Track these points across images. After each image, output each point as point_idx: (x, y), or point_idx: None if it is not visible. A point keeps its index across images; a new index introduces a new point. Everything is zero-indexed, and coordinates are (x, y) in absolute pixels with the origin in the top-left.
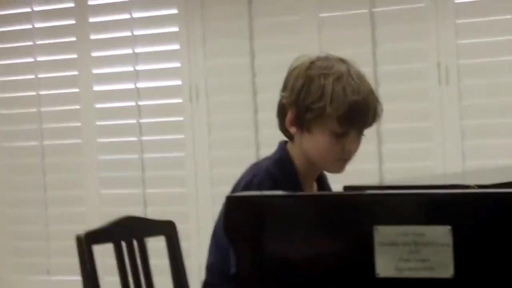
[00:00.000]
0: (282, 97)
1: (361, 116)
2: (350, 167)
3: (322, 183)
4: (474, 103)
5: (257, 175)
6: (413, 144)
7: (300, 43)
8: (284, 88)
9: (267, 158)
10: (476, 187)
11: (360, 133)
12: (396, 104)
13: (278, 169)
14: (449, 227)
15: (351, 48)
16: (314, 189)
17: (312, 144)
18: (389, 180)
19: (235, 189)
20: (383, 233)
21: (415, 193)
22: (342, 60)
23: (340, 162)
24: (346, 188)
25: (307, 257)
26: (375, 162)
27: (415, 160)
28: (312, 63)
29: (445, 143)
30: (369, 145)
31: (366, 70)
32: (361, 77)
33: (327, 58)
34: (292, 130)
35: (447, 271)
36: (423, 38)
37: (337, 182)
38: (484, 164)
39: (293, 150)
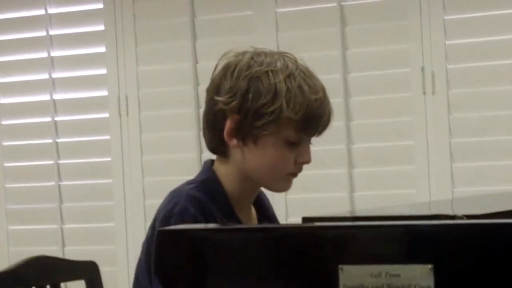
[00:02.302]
0: (216, 104)
1: (319, 119)
2: (314, 195)
3: (262, 208)
4: (466, 117)
5: (178, 203)
6: (391, 167)
7: (253, 44)
8: (217, 92)
9: (188, 182)
10: (464, 217)
11: (309, 142)
12: (371, 118)
13: (203, 193)
14: (429, 266)
15: (316, 50)
16: (253, 217)
17: (259, 158)
18: (361, 210)
19: (154, 223)
20: (350, 274)
21: (388, 225)
22: (283, 54)
23: (289, 177)
24: (305, 219)
25: None
26: (345, 189)
27: (393, 186)
28: (252, 59)
29: (431, 165)
30: (338, 168)
31: (334, 77)
32: (311, 73)
33: (266, 53)
34: (233, 142)
35: None
36: (404, 38)
37: (294, 211)
38: (478, 190)
39: (223, 169)
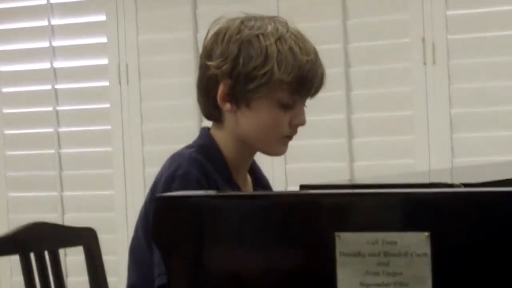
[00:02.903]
0: (208, 69)
1: (312, 81)
2: (314, 165)
3: (257, 176)
4: (466, 88)
5: (181, 166)
6: (391, 137)
7: (256, 10)
8: (209, 57)
9: (188, 147)
10: (462, 186)
11: (304, 104)
12: (372, 89)
13: (204, 157)
14: (426, 234)
15: (317, 20)
16: (249, 183)
17: (253, 121)
18: (359, 179)
19: (155, 186)
20: (346, 241)
21: (385, 192)
22: (273, 18)
23: (285, 140)
24: (303, 187)
25: (254, 271)
26: (345, 159)
27: (393, 156)
28: (242, 23)
29: (431, 136)
30: (338, 138)
31: (335, 47)
32: (303, 36)
33: (256, 18)
34: (226, 107)
35: (423, 287)
36: (405, 8)
37: (294, 181)
38: (478, 161)
39: (220, 135)
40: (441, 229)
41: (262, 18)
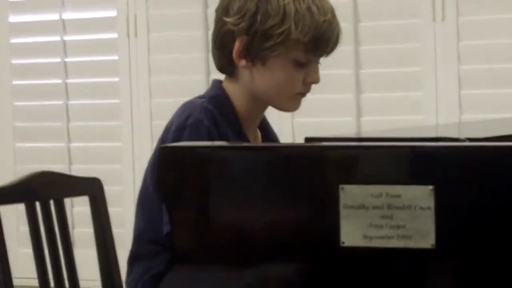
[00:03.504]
0: (225, 24)
1: (328, 41)
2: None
3: (266, 131)
4: (476, 44)
5: (192, 115)
6: (399, 93)
7: None
8: (226, 13)
9: (200, 97)
10: (467, 140)
11: (318, 62)
12: (380, 44)
13: (215, 107)
14: (430, 187)
15: None
16: (258, 138)
17: (268, 78)
18: (366, 132)
19: (165, 134)
20: (350, 193)
21: (389, 146)
22: None
23: (298, 97)
24: (308, 139)
25: (259, 222)
26: (352, 114)
27: (401, 112)
28: None
29: (439, 92)
30: (346, 93)
31: (344, 2)
32: None
33: None
34: (242, 63)
35: (426, 240)
36: None
37: (301, 135)
38: (486, 117)
39: (232, 89)
40: (445, 183)
41: None
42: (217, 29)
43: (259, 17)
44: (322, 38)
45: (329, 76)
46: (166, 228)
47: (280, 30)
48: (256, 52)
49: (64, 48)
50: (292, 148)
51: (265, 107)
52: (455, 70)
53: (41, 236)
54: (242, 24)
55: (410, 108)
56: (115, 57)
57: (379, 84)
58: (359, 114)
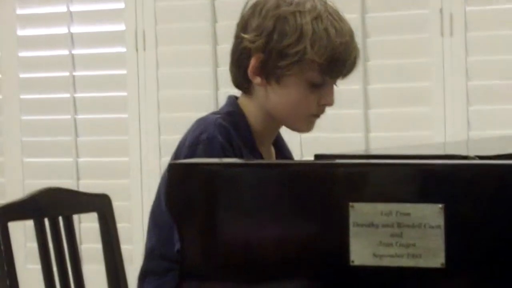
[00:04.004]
0: (243, 41)
1: (344, 63)
2: (329, 135)
3: (280, 148)
4: (483, 60)
5: (206, 130)
6: (407, 109)
7: None
8: (245, 30)
9: (214, 113)
10: (477, 158)
11: (334, 84)
12: (389, 59)
13: (230, 124)
14: (440, 205)
15: None
16: (272, 153)
17: (282, 97)
18: (375, 149)
19: (179, 150)
20: (360, 211)
21: (400, 163)
22: None
23: (312, 118)
24: (317, 156)
25: (268, 239)
26: (361, 130)
27: (409, 128)
28: None
29: (447, 108)
30: (354, 108)
31: (351, 17)
32: (340, 16)
33: None
34: (257, 80)
35: (436, 259)
36: None
37: (309, 151)
38: (494, 134)
39: (247, 105)
40: (455, 201)
41: None
42: (235, 46)
43: (275, 36)
44: (338, 60)
45: (337, 91)
46: (177, 245)
47: (295, 49)
48: (271, 70)
49: (73, 62)
50: (301, 166)
51: (279, 125)
52: (464, 85)
53: (49, 252)
54: (259, 42)
55: (418, 123)
56: (124, 71)
57: (387, 100)
58: (367, 130)
